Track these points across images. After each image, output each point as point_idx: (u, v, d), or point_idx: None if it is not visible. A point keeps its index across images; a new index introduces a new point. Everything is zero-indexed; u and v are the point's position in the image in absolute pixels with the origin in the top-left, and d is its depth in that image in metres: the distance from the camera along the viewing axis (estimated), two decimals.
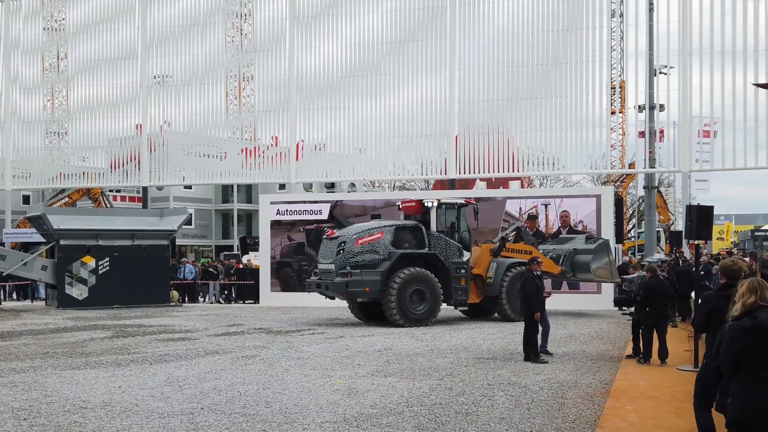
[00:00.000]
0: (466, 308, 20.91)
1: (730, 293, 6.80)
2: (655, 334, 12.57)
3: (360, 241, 18.87)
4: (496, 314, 20.31)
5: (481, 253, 20.43)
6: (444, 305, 19.55)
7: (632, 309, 13.31)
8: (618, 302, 15.33)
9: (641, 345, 12.76)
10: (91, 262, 24.78)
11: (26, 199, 50.13)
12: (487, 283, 20.02)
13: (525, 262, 19.70)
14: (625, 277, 15.25)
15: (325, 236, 20.10)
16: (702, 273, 17.45)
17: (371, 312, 19.62)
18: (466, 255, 19.88)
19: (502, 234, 21.65)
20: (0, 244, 30.96)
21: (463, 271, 19.54)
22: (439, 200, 20.14)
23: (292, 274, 26.48)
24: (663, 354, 12.47)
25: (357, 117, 31.66)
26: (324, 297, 19.93)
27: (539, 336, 13.11)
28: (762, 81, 26.53)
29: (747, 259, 16.30)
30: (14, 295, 30.47)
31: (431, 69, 30.87)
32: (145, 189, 34.46)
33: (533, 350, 12.65)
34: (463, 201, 20.70)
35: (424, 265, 19.08)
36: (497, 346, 14.63)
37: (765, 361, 5.16)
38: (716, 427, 6.70)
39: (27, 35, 35.74)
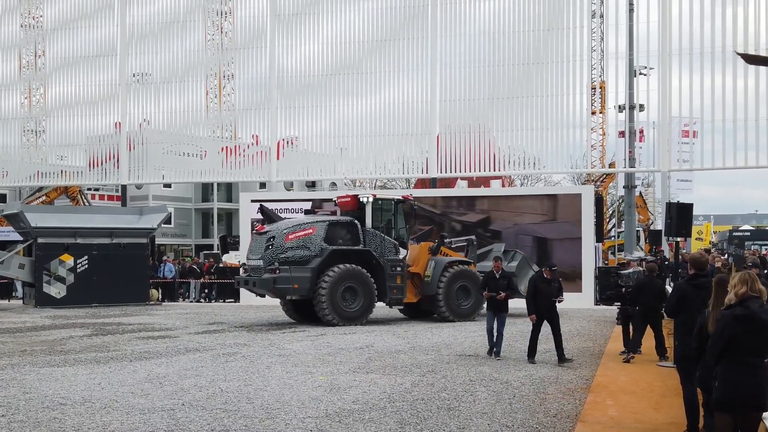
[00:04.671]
0: (401, 307, 20.23)
1: (699, 282, 7.66)
2: (651, 332, 12.73)
3: (290, 236, 18.18)
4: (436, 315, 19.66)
5: (420, 252, 19.85)
6: (380, 304, 19.07)
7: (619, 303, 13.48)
8: (609, 298, 15.37)
9: (631, 337, 12.94)
10: (69, 260, 24.53)
11: (2, 198, 49.52)
12: (424, 282, 19.47)
13: (465, 261, 19.77)
14: (621, 272, 15.27)
15: (254, 231, 19.46)
16: (680, 271, 17.60)
17: (304, 311, 18.93)
18: (403, 252, 19.32)
19: (448, 238, 21.13)
20: None
21: (398, 269, 18.98)
22: (374, 195, 19.59)
23: None
24: (660, 350, 12.56)
25: (338, 116, 31.56)
26: (255, 295, 19.45)
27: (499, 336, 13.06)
28: (740, 83, 26.77)
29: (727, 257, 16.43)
30: None
31: (412, 68, 30.86)
32: (124, 187, 34.14)
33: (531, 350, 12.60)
34: (400, 197, 20.23)
35: (359, 262, 18.46)
36: (478, 344, 14.65)
37: (752, 348, 5.57)
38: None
39: (4, 32, 35.27)
